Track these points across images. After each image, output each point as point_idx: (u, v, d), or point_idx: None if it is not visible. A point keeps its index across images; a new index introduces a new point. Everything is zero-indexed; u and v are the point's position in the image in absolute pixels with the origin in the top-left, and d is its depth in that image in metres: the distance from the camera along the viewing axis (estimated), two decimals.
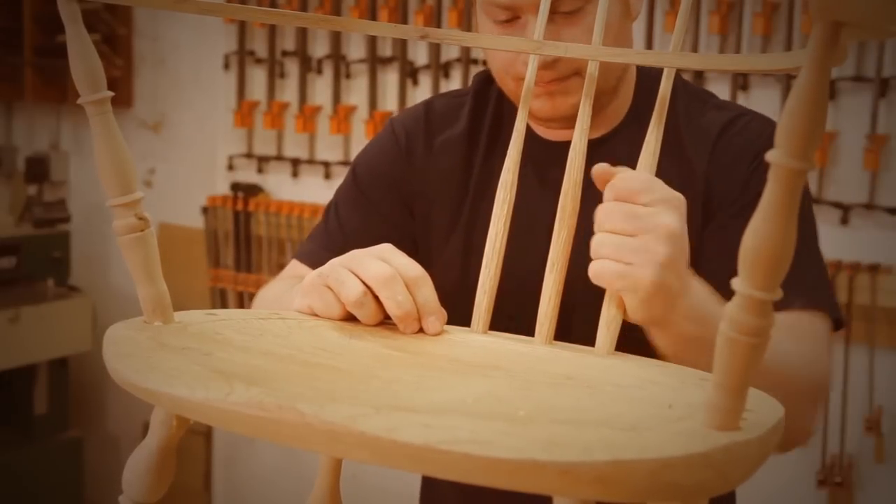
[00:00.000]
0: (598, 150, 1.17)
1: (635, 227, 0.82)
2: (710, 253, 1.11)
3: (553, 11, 1.09)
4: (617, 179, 0.85)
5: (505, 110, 1.27)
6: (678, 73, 1.20)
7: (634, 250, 0.81)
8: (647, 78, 1.23)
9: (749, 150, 1.16)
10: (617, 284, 0.82)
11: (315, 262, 1.27)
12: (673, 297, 0.83)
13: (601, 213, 0.84)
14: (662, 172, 1.14)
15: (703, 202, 1.16)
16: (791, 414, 0.98)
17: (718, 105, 1.24)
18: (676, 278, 0.83)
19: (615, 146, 1.21)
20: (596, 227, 0.84)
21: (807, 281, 1.11)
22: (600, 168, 0.87)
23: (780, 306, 1.06)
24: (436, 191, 1.27)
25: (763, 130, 1.19)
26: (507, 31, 1.12)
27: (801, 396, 1.01)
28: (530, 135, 1.25)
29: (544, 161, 1.21)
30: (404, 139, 1.31)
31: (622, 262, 0.82)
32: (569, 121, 1.16)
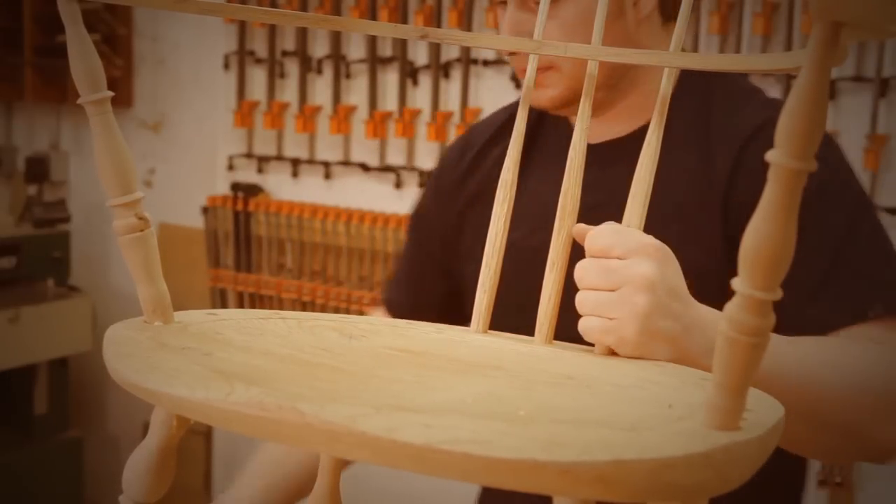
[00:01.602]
0: (622, 149, 1.19)
1: (611, 281, 0.83)
2: None
3: (529, 0, 1.15)
4: (589, 237, 0.86)
5: (546, 116, 1.29)
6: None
7: (614, 305, 0.82)
8: (689, 76, 1.22)
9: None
10: (605, 340, 0.83)
11: (394, 309, 1.39)
12: (672, 339, 0.83)
13: (578, 271, 0.85)
14: (678, 164, 1.14)
15: (725, 201, 1.15)
16: (875, 420, 1.00)
17: (764, 102, 1.21)
18: (670, 321, 0.83)
19: (639, 145, 1.22)
20: (577, 285, 0.85)
21: (881, 282, 1.09)
22: (577, 228, 0.89)
23: (860, 318, 1.05)
24: (472, 198, 1.33)
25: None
26: (503, 14, 1.19)
27: (888, 403, 1.01)
28: (567, 135, 1.26)
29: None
30: (437, 173, 1.42)
31: (605, 318, 0.82)
32: (562, 109, 1.18)
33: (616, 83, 1.20)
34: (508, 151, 0.96)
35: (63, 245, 3.70)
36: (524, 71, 1.15)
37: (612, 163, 1.18)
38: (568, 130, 1.28)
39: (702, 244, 1.10)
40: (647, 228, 0.87)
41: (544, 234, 0.93)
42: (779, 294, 0.56)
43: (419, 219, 1.43)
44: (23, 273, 3.56)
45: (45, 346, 3.51)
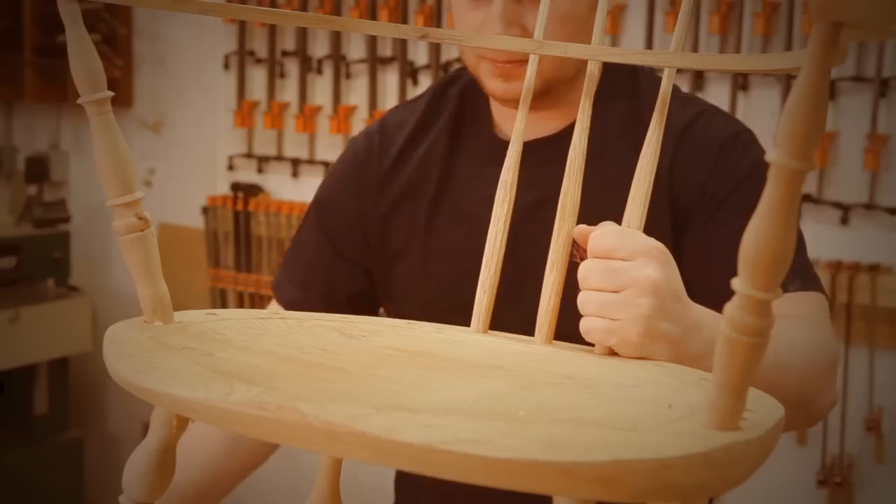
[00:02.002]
0: (555, 146, 1.19)
1: (616, 283, 0.83)
2: (694, 260, 1.13)
3: None
4: (593, 237, 0.86)
5: (467, 109, 1.29)
6: (649, 67, 1.22)
7: (618, 306, 0.82)
8: (611, 70, 1.24)
9: (712, 148, 1.18)
10: (607, 341, 0.83)
11: (283, 297, 1.34)
12: (672, 341, 0.84)
13: (582, 272, 0.86)
14: (620, 160, 1.15)
15: (670, 201, 1.19)
16: (818, 388, 1.07)
17: (683, 99, 1.25)
18: (671, 324, 0.83)
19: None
20: (580, 285, 0.86)
21: (796, 263, 1.13)
22: (578, 229, 0.89)
23: (787, 290, 1.11)
24: (399, 199, 1.30)
25: (726, 126, 1.23)
26: (477, 8, 1.15)
27: (825, 371, 1.08)
28: (490, 135, 1.27)
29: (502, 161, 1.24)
30: (352, 168, 1.36)
31: (608, 319, 0.83)
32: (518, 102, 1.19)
33: (577, 74, 1.21)
34: (508, 151, 0.96)
35: (63, 245, 3.70)
36: (507, 61, 1.16)
37: (545, 161, 1.18)
38: (490, 128, 1.29)
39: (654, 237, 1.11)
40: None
41: (483, 236, 0.95)
42: (779, 294, 0.56)
43: (328, 210, 1.37)
44: (23, 273, 3.56)
45: (45, 346, 3.51)
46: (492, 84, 1.19)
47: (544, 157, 1.20)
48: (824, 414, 1.12)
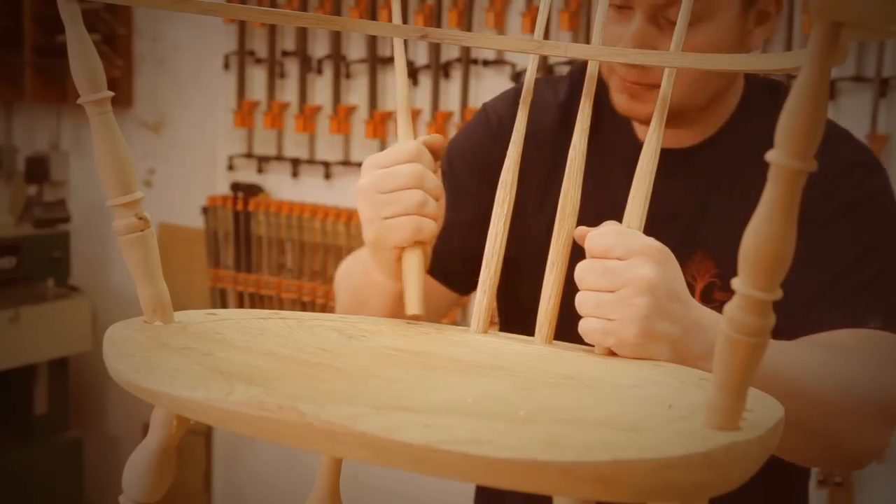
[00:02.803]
0: (688, 160, 1.19)
1: (612, 282, 0.83)
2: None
3: (660, 16, 1.10)
4: (590, 238, 0.86)
5: (604, 100, 1.21)
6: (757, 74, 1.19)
7: (614, 306, 0.82)
8: (756, 88, 1.23)
9: (830, 172, 1.12)
10: (605, 341, 0.83)
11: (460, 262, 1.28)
12: (672, 341, 0.83)
13: (579, 272, 0.86)
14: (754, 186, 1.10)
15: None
16: (859, 429, 1.00)
17: (840, 137, 1.20)
18: (670, 323, 0.83)
19: (705, 157, 1.21)
20: (578, 285, 0.85)
21: (888, 299, 1.10)
22: (578, 230, 0.89)
23: (857, 323, 1.06)
24: (524, 171, 1.27)
25: (851, 153, 1.18)
26: (618, 17, 1.12)
27: (871, 413, 1.01)
28: (629, 135, 1.25)
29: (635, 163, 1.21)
30: (496, 122, 1.31)
31: (605, 319, 0.83)
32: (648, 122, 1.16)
33: (708, 105, 1.18)
34: (508, 152, 0.96)
35: (63, 245, 3.70)
36: (635, 83, 1.13)
37: (673, 173, 1.15)
38: (631, 134, 1.26)
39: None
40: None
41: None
42: (779, 294, 0.56)
43: (463, 153, 1.32)
44: (23, 273, 3.56)
45: (45, 346, 3.51)
46: (617, 98, 1.17)
47: (672, 168, 1.15)
48: (866, 459, 1.05)
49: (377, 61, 3.23)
